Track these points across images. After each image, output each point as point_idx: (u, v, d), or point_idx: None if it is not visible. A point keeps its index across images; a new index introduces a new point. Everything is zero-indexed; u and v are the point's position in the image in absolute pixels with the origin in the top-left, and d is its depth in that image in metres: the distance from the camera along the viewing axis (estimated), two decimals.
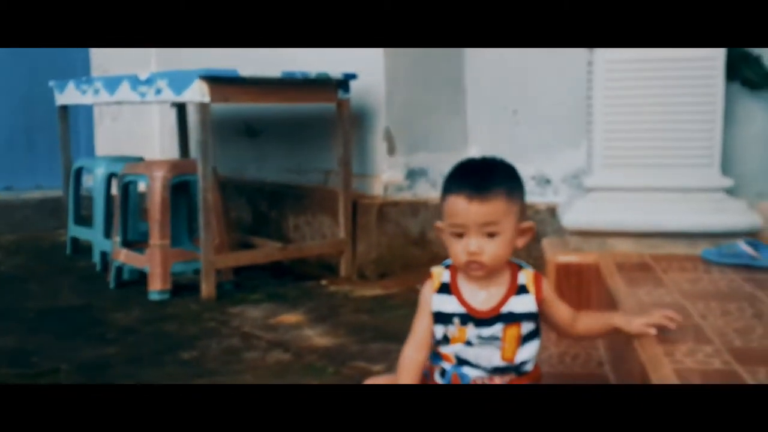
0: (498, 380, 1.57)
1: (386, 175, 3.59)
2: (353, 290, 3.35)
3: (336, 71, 3.34)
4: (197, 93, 3.05)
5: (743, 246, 2.18)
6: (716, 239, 2.42)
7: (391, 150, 3.58)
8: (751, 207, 2.52)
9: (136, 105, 5.17)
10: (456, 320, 1.57)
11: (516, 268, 1.59)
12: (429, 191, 3.67)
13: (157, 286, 3.20)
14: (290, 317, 2.96)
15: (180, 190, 3.42)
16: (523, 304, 1.56)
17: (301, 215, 3.91)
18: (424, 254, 3.56)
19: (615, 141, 2.56)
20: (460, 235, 1.52)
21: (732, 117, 2.59)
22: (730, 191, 2.54)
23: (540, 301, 1.57)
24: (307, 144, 4.01)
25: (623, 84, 2.54)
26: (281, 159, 4.19)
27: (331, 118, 3.58)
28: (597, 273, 2.32)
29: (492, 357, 1.56)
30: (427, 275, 1.64)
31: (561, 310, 1.61)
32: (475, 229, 1.49)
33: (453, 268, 1.62)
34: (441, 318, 1.59)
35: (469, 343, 1.56)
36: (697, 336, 1.59)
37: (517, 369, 1.58)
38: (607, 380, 1.97)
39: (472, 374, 1.58)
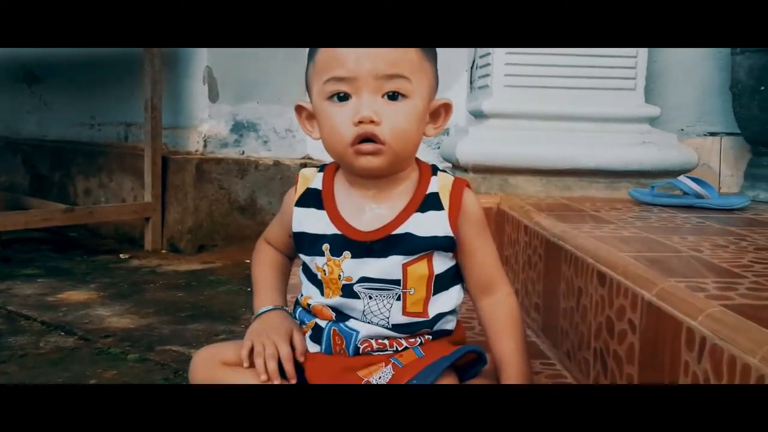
0: (405, 342, 0.99)
1: (206, 126, 2.88)
2: (163, 265, 2.62)
3: None
4: None
5: (689, 183, 1.70)
6: (641, 178, 1.95)
7: (214, 96, 2.88)
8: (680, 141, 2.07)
9: None
10: (325, 247, 0.97)
11: (429, 171, 1.00)
12: (260, 149, 3.01)
13: None
14: (76, 294, 2.20)
15: None
16: (431, 223, 0.97)
17: (93, 177, 3.12)
18: (254, 224, 2.89)
19: (519, 55, 2.01)
20: (344, 99, 0.92)
21: None
22: (653, 124, 2.08)
23: (455, 220, 0.98)
24: (102, 91, 3.21)
25: None
26: (69, 110, 3.35)
27: (133, 59, 2.83)
28: (501, 218, 1.79)
29: (390, 311, 0.97)
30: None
31: (479, 255, 1.00)
32: (371, 85, 0.90)
33: (330, 170, 1.02)
34: (304, 243, 1.00)
35: (350, 293, 0.96)
36: (714, 271, 1.07)
37: (431, 326, 1.00)
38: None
39: (364, 330, 0.97)
